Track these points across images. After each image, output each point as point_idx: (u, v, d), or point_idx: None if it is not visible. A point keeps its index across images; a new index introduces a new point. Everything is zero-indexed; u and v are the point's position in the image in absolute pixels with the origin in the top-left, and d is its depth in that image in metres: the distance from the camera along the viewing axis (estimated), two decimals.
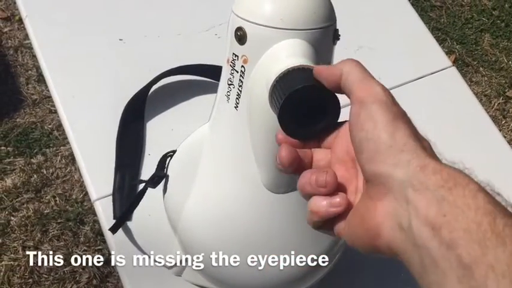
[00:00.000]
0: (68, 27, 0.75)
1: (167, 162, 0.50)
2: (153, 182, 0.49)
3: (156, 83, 0.69)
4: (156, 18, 0.76)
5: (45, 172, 1.19)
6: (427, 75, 0.77)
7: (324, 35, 0.41)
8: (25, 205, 1.16)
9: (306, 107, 0.35)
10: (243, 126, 0.44)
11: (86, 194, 1.18)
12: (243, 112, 0.43)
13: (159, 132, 0.68)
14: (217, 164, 0.47)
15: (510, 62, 1.56)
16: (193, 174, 0.48)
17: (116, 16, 0.76)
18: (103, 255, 1.11)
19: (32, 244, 1.11)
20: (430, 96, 0.76)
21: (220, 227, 0.48)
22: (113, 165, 0.65)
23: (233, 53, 0.42)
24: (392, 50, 0.78)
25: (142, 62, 0.72)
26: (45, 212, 1.15)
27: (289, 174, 0.35)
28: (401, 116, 0.30)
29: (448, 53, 1.54)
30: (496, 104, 1.48)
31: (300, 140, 0.37)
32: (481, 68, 1.54)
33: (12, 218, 1.14)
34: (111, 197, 0.63)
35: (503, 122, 1.46)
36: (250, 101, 0.42)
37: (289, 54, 0.39)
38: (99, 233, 1.13)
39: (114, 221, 0.61)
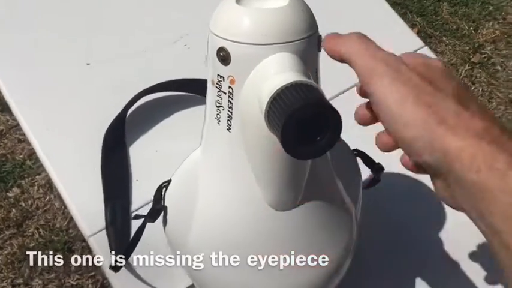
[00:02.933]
0: (30, 54, 0.72)
1: (163, 193, 0.48)
2: (152, 216, 0.47)
3: (132, 105, 0.66)
4: (121, 38, 0.74)
5: (24, 205, 1.16)
6: None
7: (310, 44, 0.40)
8: (8, 242, 1.12)
9: (307, 124, 0.34)
10: (238, 148, 0.42)
11: (70, 220, 1.14)
12: (236, 134, 0.42)
13: (144, 156, 0.66)
14: (217, 190, 0.45)
15: (471, 28, 1.57)
16: (192, 203, 0.46)
17: (79, 40, 0.72)
18: (97, 281, 1.09)
19: (21, 281, 1.08)
20: None
21: (229, 253, 0.46)
22: (101, 196, 0.62)
23: (218, 74, 0.40)
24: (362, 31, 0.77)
25: (114, 85, 0.70)
26: (31, 245, 1.11)
27: None
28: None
29: (411, 26, 1.55)
30: (463, 72, 1.50)
31: (304, 158, 0.36)
32: (443, 38, 1.56)
33: None
34: (104, 231, 0.61)
35: (472, 88, 1.47)
36: (244, 122, 0.41)
37: (278, 70, 0.38)
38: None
39: (111, 254, 0.59)
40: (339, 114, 0.35)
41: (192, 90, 0.69)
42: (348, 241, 0.50)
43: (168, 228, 0.49)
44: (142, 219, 0.48)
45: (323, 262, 0.48)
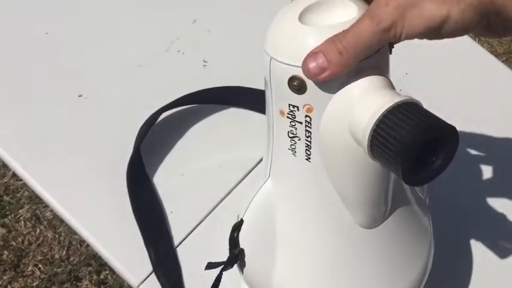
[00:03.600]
0: (13, 91, 0.63)
1: (235, 236, 0.44)
2: (231, 262, 0.43)
3: (146, 134, 0.60)
4: (110, 57, 0.66)
5: (14, 243, 1.07)
6: None
7: (385, 52, 0.36)
8: (9, 287, 1.04)
9: (424, 149, 0.31)
10: (321, 176, 0.38)
11: (69, 248, 1.08)
12: (317, 163, 0.38)
13: (170, 184, 0.60)
14: (301, 221, 0.41)
15: None
16: (272, 240, 0.42)
17: (64, 70, 0.64)
18: None
19: None
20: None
21: (323, 284, 0.43)
22: (138, 241, 0.57)
23: (289, 104, 0.36)
24: None
25: (115, 114, 0.63)
26: (35, 284, 1.04)
27: None
28: None
29: None
30: None
31: (422, 184, 0.33)
32: None
33: None
34: (152, 276, 0.56)
35: None
36: (328, 150, 0.37)
37: (367, 90, 0.34)
38: (101, 282, 1.05)
39: None
40: (456, 130, 0.32)
41: (202, 101, 0.63)
42: (429, 245, 0.48)
43: (248, 270, 0.45)
44: (220, 268, 0.44)
45: (413, 272, 0.46)
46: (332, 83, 0.34)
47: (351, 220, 0.40)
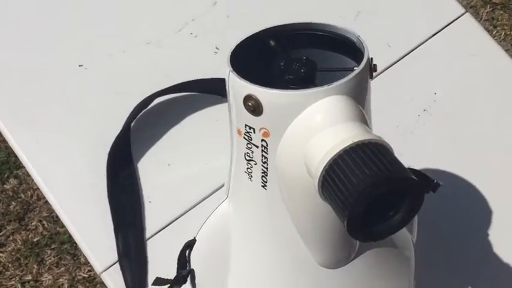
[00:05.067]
0: (15, 61, 0.61)
1: (187, 255, 0.40)
2: (178, 283, 0.39)
3: (137, 115, 0.57)
4: (117, 31, 0.63)
5: (23, 196, 1.08)
6: (440, 30, 0.66)
7: (362, 77, 0.31)
8: (11, 237, 1.05)
9: (379, 201, 0.26)
10: (278, 207, 0.34)
11: None
12: (274, 192, 0.34)
13: (155, 172, 0.57)
14: (256, 252, 0.37)
15: None
16: (225, 266, 0.38)
17: (68, 39, 0.62)
18: None
19: (30, 278, 1.02)
20: (450, 53, 0.66)
21: None
22: (110, 224, 0.55)
23: (246, 125, 0.32)
24: (395, 10, 0.67)
25: (113, 87, 0.60)
26: (36, 240, 1.05)
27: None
28: None
29: None
30: (484, 14, 1.38)
31: (374, 240, 0.28)
32: None
33: (1, 254, 1.03)
34: (117, 265, 0.54)
35: (494, 32, 1.36)
36: (284, 181, 0.32)
37: (329, 120, 0.29)
38: None
39: None
40: (422, 185, 0.27)
41: (204, 90, 0.59)
42: (410, 280, 0.43)
43: None
44: (167, 287, 0.40)
45: None
46: (291, 107, 0.29)
47: (310, 259, 0.36)
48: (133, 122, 0.57)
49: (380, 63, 0.64)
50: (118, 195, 0.55)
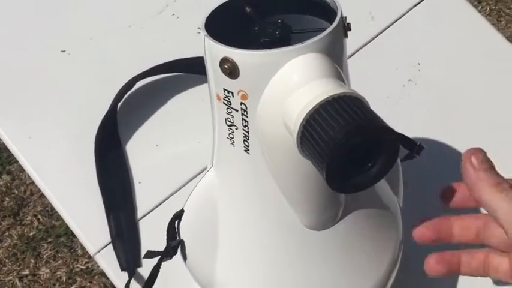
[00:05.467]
0: None
1: (176, 226, 0.41)
2: (168, 254, 0.40)
3: (122, 96, 0.57)
4: (98, 15, 0.63)
5: (16, 192, 1.08)
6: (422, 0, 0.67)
7: (337, 34, 0.31)
8: (7, 233, 1.05)
9: (355, 151, 0.26)
10: (261, 170, 0.34)
11: None
12: (257, 155, 0.34)
13: (143, 153, 0.58)
14: (243, 216, 0.38)
15: None
16: (214, 232, 0.39)
17: (49, 25, 0.62)
18: None
19: (28, 272, 1.02)
20: (433, 24, 0.66)
21: (264, 283, 0.39)
22: (101, 207, 0.55)
23: (224, 89, 0.32)
24: None
25: (97, 73, 0.60)
26: (31, 234, 1.05)
27: None
28: None
29: None
30: None
31: (353, 191, 0.29)
32: None
33: None
34: (110, 246, 0.54)
35: (479, 8, 1.37)
36: (265, 142, 0.33)
37: (304, 77, 0.29)
38: None
39: (121, 272, 0.53)
40: (397, 134, 0.28)
41: (189, 70, 0.59)
42: (396, 243, 0.43)
43: (190, 262, 0.42)
44: (157, 258, 0.41)
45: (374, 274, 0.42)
46: (267, 67, 0.30)
47: (296, 221, 0.36)
48: (119, 105, 0.57)
49: (363, 35, 0.65)
50: (108, 178, 0.55)
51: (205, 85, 0.59)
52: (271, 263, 0.39)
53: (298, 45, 0.29)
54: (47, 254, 1.03)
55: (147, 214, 0.56)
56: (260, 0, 0.34)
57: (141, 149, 0.58)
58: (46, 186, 0.55)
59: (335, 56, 0.31)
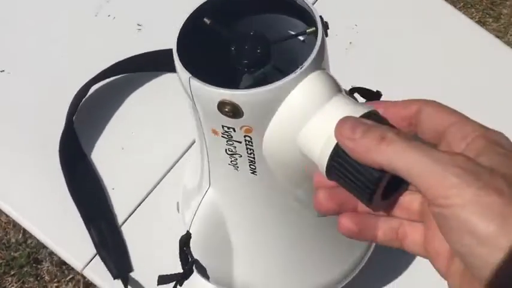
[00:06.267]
0: None
1: (186, 250, 0.39)
2: (186, 276, 0.39)
3: (77, 107, 0.56)
4: (33, 28, 0.60)
5: None
6: None
7: (323, 42, 0.30)
8: None
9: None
10: (269, 184, 0.34)
11: (25, 232, 1.03)
12: (264, 174, 0.33)
13: (111, 159, 0.57)
14: (253, 226, 0.38)
15: None
16: (227, 244, 0.39)
17: None
18: (78, 281, 1.01)
19: None
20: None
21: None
22: (78, 221, 0.53)
23: (223, 126, 0.30)
24: None
25: (44, 85, 0.58)
26: None
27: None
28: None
29: None
30: None
31: (383, 210, 0.28)
32: None
33: None
34: (97, 257, 0.53)
35: None
36: (275, 165, 0.32)
37: (316, 102, 0.28)
38: (63, 263, 1.02)
39: (114, 280, 0.52)
40: None
41: (137, 68, 0.59)
42: None
43: (211, 273, 0.42)
44: (173, 284, 0.40)
45: None
46: (272, 101, 0.28)
47: (299, 211, 0.36)
48: (75, 115, 0.56)
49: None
50: (80, 191, 0.54)
51: (156, 80, 0.59)
52: (283, 254, 0.40)
53: (299, 71, 0.27)
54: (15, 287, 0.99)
55: (127, 218, 0.55)
56: (216, 6, 0.31)
57: (107, 155, 0.57)
58: (17, 213, 0.53)
59: (326, 62, 0.30)
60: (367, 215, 0.28)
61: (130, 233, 0.55)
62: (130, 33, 0.61)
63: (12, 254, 1.02)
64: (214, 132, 0.31)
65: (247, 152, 0.31)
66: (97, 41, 0.60)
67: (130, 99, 0.59)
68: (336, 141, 0.26)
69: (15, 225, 1.04)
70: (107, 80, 0.58)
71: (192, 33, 0.31)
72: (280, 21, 0.33)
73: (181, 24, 0.31)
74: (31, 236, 1.03)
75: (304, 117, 0.28)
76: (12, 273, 1.00)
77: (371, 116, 0.26)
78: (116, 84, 0.58)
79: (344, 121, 0.26)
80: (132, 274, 0.53)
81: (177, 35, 0.30)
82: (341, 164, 0.26)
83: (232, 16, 0.32)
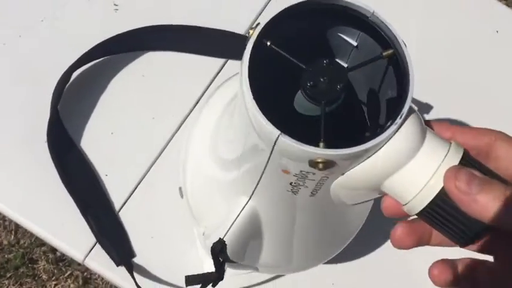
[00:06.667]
0: None
1: (221, 260, 0.37)
2: (220, 276, 0.37)
3: (59, 97, 0.53)
4: (6, 16, 0.58)
5: None
6: None
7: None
8: None
9: None
10: (325, 205, 0.33)
11: (17, 233, 1.01)
12: (323, 199, 0.31)
13: (101, 145, 0.55)
14: (292, 226, 0.37)
15: None
16: (257, 245, 0.38)
17: None
18: (77, 277, 0.99)
19: None
20: None
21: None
22: (74, 212, 0.52)
23: (302, 171, 0.28)
24: None
25: (23, 78, 0.56)
26: None
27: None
28: None
29: None
30: None
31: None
32: None
33: None
34: (97, 247, 0.51)
35: None
36: (342, 195, 0.30)
37: (408, 152, 0.26)
38: (59, 260, 1.00)
39: (117, 267, 0.51)
40: None
41: (118, 49, 0.57)
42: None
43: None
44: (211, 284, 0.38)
45: None
46: (364, 153, 0.26)
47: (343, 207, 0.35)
48: (59, 103, 0.54)
49: None
50: (74, 180, 0.52)
51: (139, 59, 0.57)
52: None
53: (399, 122, 0.25)
54: None
55: (124, 204, 0.53)
56: (272, 26, 0.27)
57: (97, 142, 0.55)
58: (11, 210, 0.51)
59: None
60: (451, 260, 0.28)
61: (129, 218, 0.53)
62: (107, 14, 0.59)
63: (6, 256, 1.00)
64: (285, 171, 0.28)
65: (316, 185, 0.29)
66: (73, 24, 0.58)
67: (115, 81, 0.57)
68: (438, 190, 0.25)
69: (6, 227, 1.01)
70: (89, 64, 0.56)
71: (257, 63, 0.27)
72: (345, 37, 0.29)
73: (248, 55, 0.26)
74: (23, 236, 1.01)
75: (398, 165, 0.26)
76: (8, 275, 0.98)
77: (466, 159, 0.26)
78: (99, 67, 0.56)
79: (457, 173, 0.25)
80: (134, 259, 0.52)
81: (246, 71, 0.26)
82: (440, 210, 0.25)
83: (291, 34, 0.28)
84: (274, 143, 0.26)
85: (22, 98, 0.55)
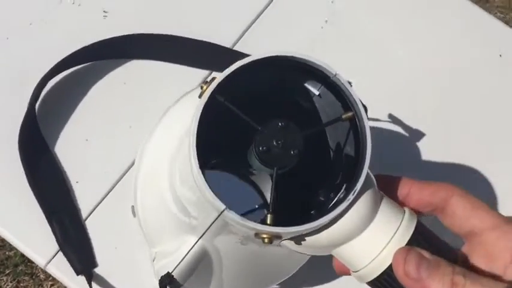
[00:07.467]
0: None
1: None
2: None
3: (38, 97, 0.54)
4: None
5: None
6: None
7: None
8: None
9: None
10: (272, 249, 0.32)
11: None
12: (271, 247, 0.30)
13: (74, 151, 0.54)
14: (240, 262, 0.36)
15: None
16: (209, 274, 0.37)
17: None
18: None
19: None
20: None
21: None
22: (40, 215, 0.51)
23: (248, 236, 0.29)
24: None
25: (7, 78, 0.56)
26: None
27: None
28: None
29: None
30: None
31: None
32: None
33: None
34: (60, 254, 0.51)
35: None
36: (289, 247, 0.29)
37: (360, 226, 0.26)
38: None
39: (78, 277, 0.50)
40: None
41: (99, 55, 0.56)
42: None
43: None
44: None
45: None
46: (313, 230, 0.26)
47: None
48: (37, 105, 0.54)
49: None
50: (42, 184, 0.52)
51: (121, 68, 0.57)
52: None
53: (351, 197, 0.25)
54: (8, 287, 0.98)
55: (91, 212, 0.53)
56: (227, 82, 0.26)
57: (71, 148, 0.54)
58: None
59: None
60: None
61: (95, 227, 0.52)
62: (96, 20, 0.59)
63: (6, 253, 1.01)
64: (233, 233, 0.28)
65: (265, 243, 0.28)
66: (61, 29, 0.58)
67: (96, 87, 0.56)
68: (389, 263, 0.25)
69: None
70: (72, 69, 0.56)
71: (210, 116, 0.26)
72: (302, 94, 0.29)
73: (198, 112, 0.25)
74: None
75: (349, 237, 0.25)
76: (7, 272, 1.00)
77: (419, 230, 0.26)
78: (80, 73, 0.56)
79: (407, 256, 0.25)
80: (96, 269, 0.51)
81: (195, 131, 0.25)
82: (390, 280, 0.25)
83: (249, 86, 0.27)
84: (220, 214, 0.25)
85: (2, 96, 0.55)
